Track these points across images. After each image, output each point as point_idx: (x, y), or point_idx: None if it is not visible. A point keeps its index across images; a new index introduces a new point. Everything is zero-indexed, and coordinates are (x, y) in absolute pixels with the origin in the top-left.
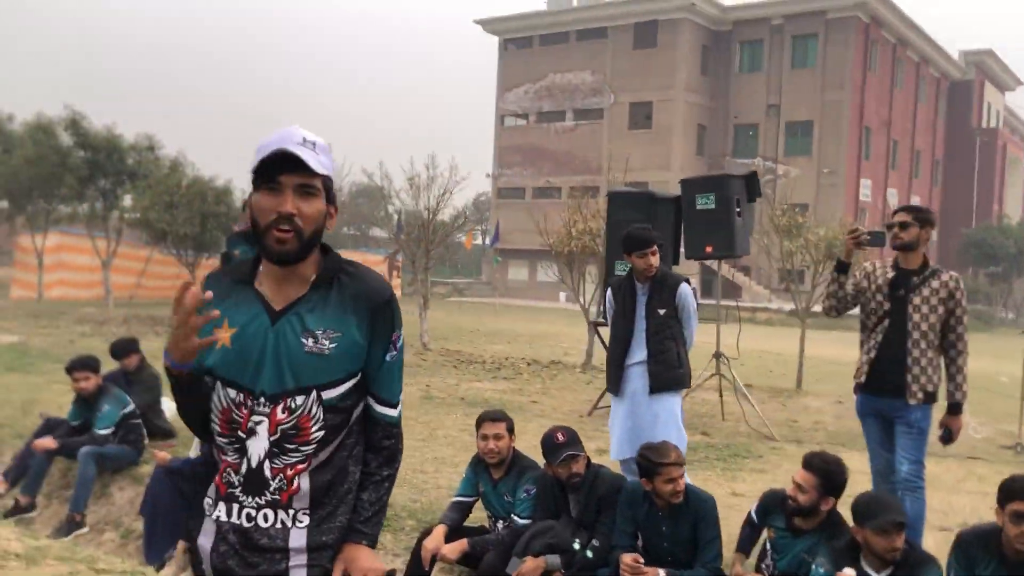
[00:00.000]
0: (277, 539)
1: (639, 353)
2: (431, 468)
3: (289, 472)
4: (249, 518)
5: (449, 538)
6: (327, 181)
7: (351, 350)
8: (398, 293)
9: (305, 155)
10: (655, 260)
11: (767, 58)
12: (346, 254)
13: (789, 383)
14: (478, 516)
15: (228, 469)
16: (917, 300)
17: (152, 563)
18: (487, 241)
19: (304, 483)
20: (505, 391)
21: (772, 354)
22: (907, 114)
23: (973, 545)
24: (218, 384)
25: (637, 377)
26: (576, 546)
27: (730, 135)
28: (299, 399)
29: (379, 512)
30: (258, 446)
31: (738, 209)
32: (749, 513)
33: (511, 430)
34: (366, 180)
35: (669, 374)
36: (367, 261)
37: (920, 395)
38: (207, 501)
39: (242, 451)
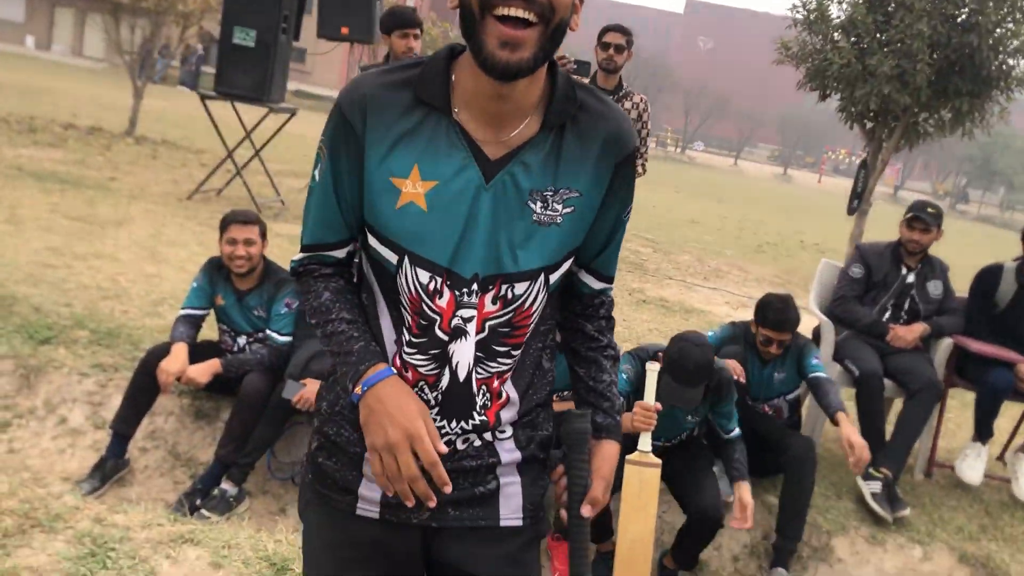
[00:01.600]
0: (484, 455)
1: None
2: (56, 261)
3: (495, 383)
4: (447, 444)
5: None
6: None
7: (585, 218)
8: None
9: None
10: (417, 44)
11: None
12: None
13: None
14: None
15: (421, 383)
16: None
17: None
18: None
19: (512, 391)
20: (67, 162)
21: None
22: None
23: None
24: (405, 262)
25: None
26: None
27: None
28: (520, 287)
29: (617, 396)
30: (465, 351)
31: None
32: None
33: (264, 234)
34: None
35: None
36: None
37: None
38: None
39: (443, 358)
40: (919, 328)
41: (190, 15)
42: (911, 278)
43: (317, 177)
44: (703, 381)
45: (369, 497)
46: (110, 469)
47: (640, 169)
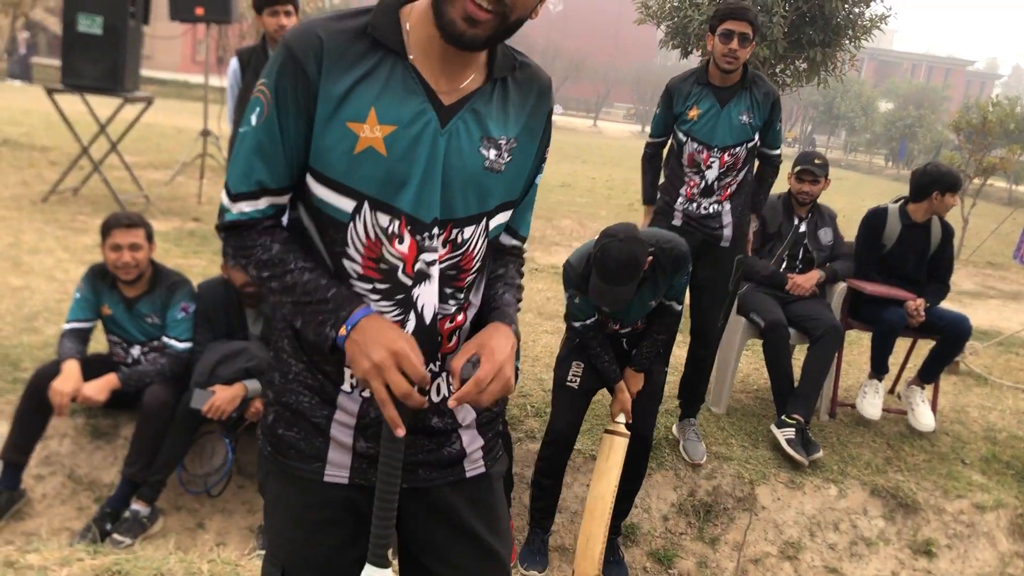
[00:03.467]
0: (447, 416)
1: None
2: None
3: (448, 326)
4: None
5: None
6: None
7: (524, 168)
8: None
9: None
10: (291, 21)
11: None
12: None
13: None
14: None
15: None
16: None
17: None
18: None
19: (462, 339)
20: None
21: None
22: None
23: (677, 85)
24: (364, 207)
25: None
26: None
27: None
28: (468, 230)
29: (515, 317)
30: (430, 294)
31: None
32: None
33: (150, 237)
34: None
35: None
36: None
37: None
38: (330, 373)
39: (407, 303)
40: (815, 275)
41: (20, 3)
42: (803, 227)
43: (255, 121)
44: (631, 279)
45: (338, 462)
46: (5, 502)
47: None
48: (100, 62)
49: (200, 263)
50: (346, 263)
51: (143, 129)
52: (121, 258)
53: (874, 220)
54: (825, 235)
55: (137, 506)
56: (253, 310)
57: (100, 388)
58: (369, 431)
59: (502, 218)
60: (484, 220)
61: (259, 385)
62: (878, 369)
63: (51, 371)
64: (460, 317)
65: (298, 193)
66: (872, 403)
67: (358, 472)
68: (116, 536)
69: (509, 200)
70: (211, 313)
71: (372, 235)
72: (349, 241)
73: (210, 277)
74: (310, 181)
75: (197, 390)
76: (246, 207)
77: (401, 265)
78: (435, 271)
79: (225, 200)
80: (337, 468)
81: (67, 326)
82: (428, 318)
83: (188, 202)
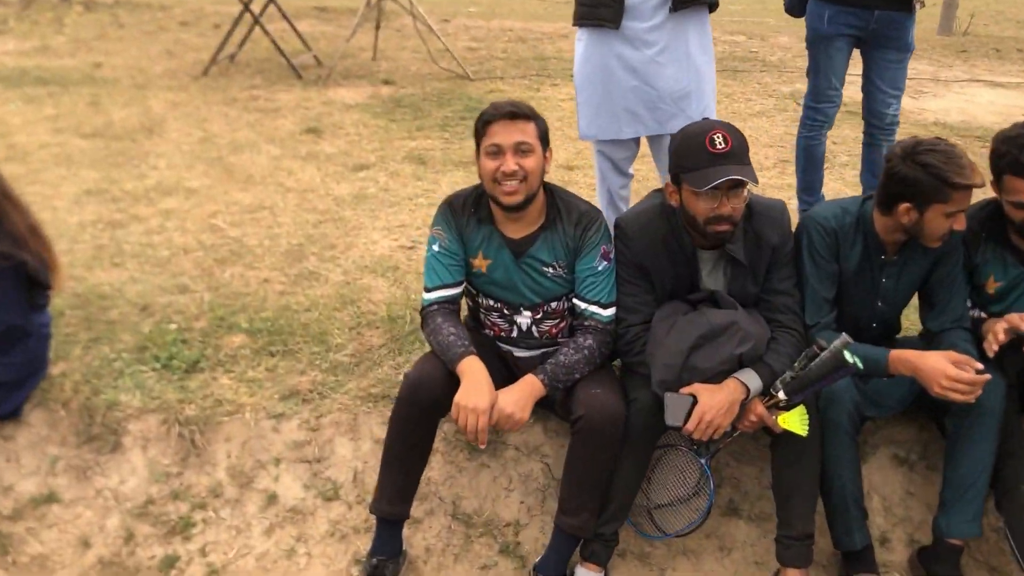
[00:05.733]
0: None
1: None
2: (112, 211)
3: None
4: None
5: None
6: None
7: None
8: None
9: None
10: None
11: None
12: None
13: None
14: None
15: None
16: None
17: None
18: None
19: None
20: (27, 52)
21: None
22: None
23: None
24: None
25: None
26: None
27: None
28: None
29: None
30: None
31: None
32: None
33: (544, 137)
34: None
35: None
36: None
37: None
38: None
39: None
40: None
41: None
42: None
43: None
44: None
45: None
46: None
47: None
48: None
49: (433, 144)
50: None
51: None
52: (504, 167)
53: None
54: None
55: (586, 570)
56: (710, 253)
57: (523, 401)
58: None
59: None
60: None
61: (759, 381)
62: None
63: (435, 379)
64: None
65: None
66: None
67: None
68: None
69: None
70: (643, 258)
71: None
72: None
73: (639, 202)
74: None
75: (669, 395)
76: None
77: None
78: None
79: None
80: None
81: (431, 296)
82: None
83: (360, 59)
